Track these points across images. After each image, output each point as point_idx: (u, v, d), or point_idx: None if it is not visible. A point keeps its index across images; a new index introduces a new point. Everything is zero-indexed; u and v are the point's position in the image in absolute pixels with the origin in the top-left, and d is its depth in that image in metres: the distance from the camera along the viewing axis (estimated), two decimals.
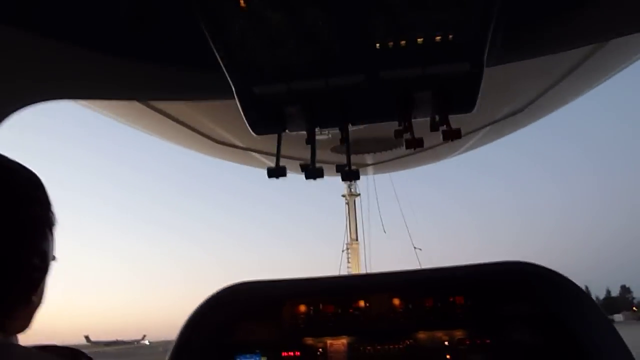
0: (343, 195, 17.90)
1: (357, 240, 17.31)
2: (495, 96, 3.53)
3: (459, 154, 4.55)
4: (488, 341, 1.79)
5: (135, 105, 2.44)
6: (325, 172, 1.28)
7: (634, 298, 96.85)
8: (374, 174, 6.12)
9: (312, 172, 1.29)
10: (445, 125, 1.23)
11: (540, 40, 1.28)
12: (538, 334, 1.75)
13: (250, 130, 1.33)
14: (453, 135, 1.22)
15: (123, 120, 3.05)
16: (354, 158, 3.87)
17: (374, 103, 1.25)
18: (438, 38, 1.05)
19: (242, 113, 1.28)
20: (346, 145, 1.38)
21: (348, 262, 17.12)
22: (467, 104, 1.22)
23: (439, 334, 1.84)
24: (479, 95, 1.19)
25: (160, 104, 2.51)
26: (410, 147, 1.28)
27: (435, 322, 1.88)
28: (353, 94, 1.23)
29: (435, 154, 4.19)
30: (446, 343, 1.82)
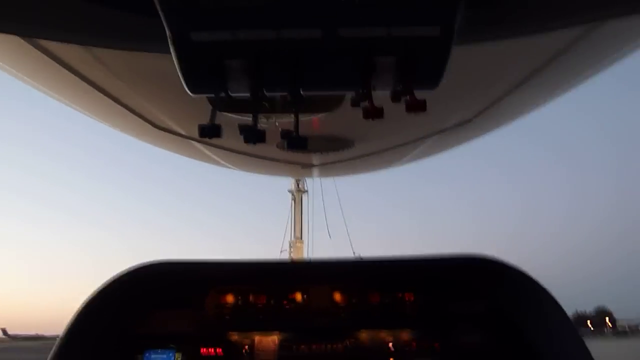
0: (290, 191, 17.72)
1: (301, 239, 17.20)
2: (447, 103, 3.56)
3: (408, 161, 4.55)
4: (436, 345, 1.67)
5: (61, 71, 2.09)
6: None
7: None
8: (320, 176, 6.01)
9: (253, 134, 1.14)
10: (408, 97, 1.13)
11: (517, 18, 1.20)
12: (492, 337, 1.66)
13: (186, 89, 1.14)
14: (418, 107, 1.12)
15: (44, 89, 2.64)
16: (299, 157, 3.72)
17: (331, 66, 1.10)
18: None
19: (177, 66, 1.09)
20: (295, 112, 1.25)
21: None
22: (432, 78, 1.12)
23: (383, 334, 1.70)
24: (445, 72, 1.11)
25: (86, 70, 2.16)
26: (369, 116, 1.17)
27: (381, 320, 1.73)
28: (307, 53, 1.08)
29: (381, 160, 4.15)
30: (390, 345, 1.68)
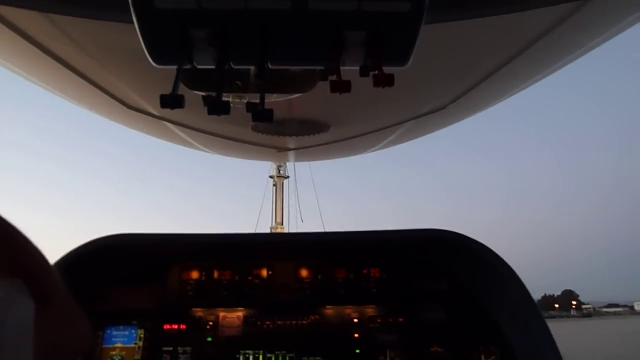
0: (271, 176, 17.66)
1: (282, 224, 17.25)
2: (421, 90, 3.57)
3: (382, 147, 4.57)
4: (400, 319, 1.70)
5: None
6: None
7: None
8: (296, 160, 5.98)
9: (217, 105, 1.10)
10: (377, 71, 1.12)
11: None
12: (453, 309, 1.69)
13: (150, 59, 1.10)
14: (385, 81, 1.11)
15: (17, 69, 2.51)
16: (275, 140, 3.70)
17: (299, 40, 1.09)
18: None
19: (139, 35, 1.04)
20: (261, 86, 1.22)
21: None
22: (402, 55, 1.12)
23: (348, 310, 1.72)
24: (414, 50, 1.10)
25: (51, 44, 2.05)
26: (336, 90, 1.15)
27: (346, 296, 1.74)
28: (275, 25, 1.05)
29: (357, 145, 4.16)
30: (355, 320, 1.70)
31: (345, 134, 3.65)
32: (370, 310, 1.71)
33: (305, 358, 1.60)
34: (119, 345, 1.60)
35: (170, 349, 1.60)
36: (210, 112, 1.09)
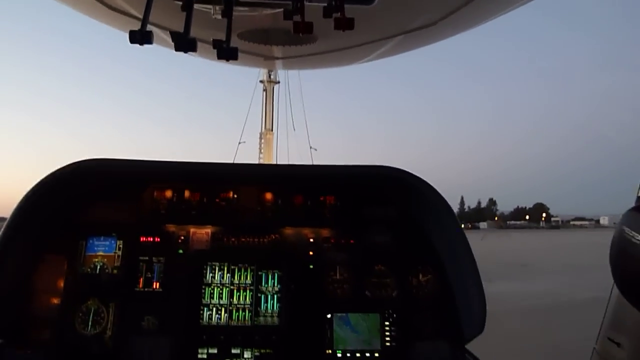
0: (261, 81, 17.20)
1: (271, 130, 17.29)
2: (412, 5, 3.46)
3: (371, 59, 4.54)
4: (352, 241, 1.88)
5: None
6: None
7: (497, 210, 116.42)
8: (284, 69, 5.89)
9: (184, 42, 1.14)
10: (339, 13, 1.17)
11: None
12: (398, 235, 1.87)
13: None
14: (346, 25, 1.16)
15: None
16: (262, 49, 3.65)
17: None
18: None
19: None
20: (227, 21, 1.24)
21: (260, 152, 17.26)
22: None
23: (306, 231, 1.87)
24: None
25: None
26: (298, 31, 1.19)
27: (303, 219, 1.88)
28: None
29: (346, 56, 4.13)
30: (311, 240, 1.87)
31: (333, 45, 3.61)
32: (325, 232, 1.87)
33: (265, 271, 1.79)
34: (100, 253, 1.80)
35: (146, 258, 1.79)
36: (177, 49, 1.14)
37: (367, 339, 1.71)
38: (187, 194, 1.89)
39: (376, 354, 1.69)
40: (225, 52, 1.20)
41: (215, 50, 1.22)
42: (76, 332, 1.67)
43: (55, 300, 1.72)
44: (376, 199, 1.91)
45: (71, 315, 1.69)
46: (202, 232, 1.86)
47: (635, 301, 0.68)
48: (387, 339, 1.71)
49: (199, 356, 1.65)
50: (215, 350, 1.66)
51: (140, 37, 1.11)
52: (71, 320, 1.68)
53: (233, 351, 1.67)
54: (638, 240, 0.63)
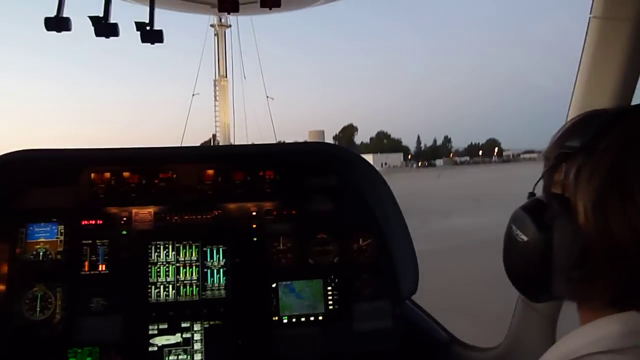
0: (212, 25, 16.21)
1: (226, 77, 16.58)
2: None
3: (320, 3, 4.35)
4: (294, 212, 1.93)
5: None
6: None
7: (452, 147, 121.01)
8: (233, 15, 5.56)
9: (104, 27, 1.10)
10: None
11: None
12: (337, 204, 1.93)
13: None
14: (273, 3, 1.15)
15: None
16: None
17: None
18: None
19: None
20: (151, 4, 1.17)
21: (216, 99, 16.63)
22: None
23: (249, 204, 1.91)
24: None
25: None
26: (266, 5, 1.17)
27: (245, 194, 1.91)
28: None
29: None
30: (254, 213, 1.91)
31: None
32: (267, 205, 1.91)
33: (210, 246, 1.83)
34: (42, 240, 1.77)
35: (90, 242, 1.78)
36: (98, 35, 1.08)
37: (312, 303, 1.83)
38: (126, 175, 1.86)
39: (320, 317, 1.82)
40: (149, 35, 1.16)
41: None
42: (24, 318, 1.69)
43: (1, 287, 1.71)
44: (315, 170, 1.96)
45: (18, 302, 1.69)
46: (145, 212, 1.86)
47: (525, 292, 0.78)
48: (330, 302, 1.84)
49: (150, 332, 1.72)
50: (165, 326, 1.73)
51: (56, 23, 1.07)
52: (18, 306, 1.69)
53: (183, 325, 1.74)
54: (522, 238, 0.70)
